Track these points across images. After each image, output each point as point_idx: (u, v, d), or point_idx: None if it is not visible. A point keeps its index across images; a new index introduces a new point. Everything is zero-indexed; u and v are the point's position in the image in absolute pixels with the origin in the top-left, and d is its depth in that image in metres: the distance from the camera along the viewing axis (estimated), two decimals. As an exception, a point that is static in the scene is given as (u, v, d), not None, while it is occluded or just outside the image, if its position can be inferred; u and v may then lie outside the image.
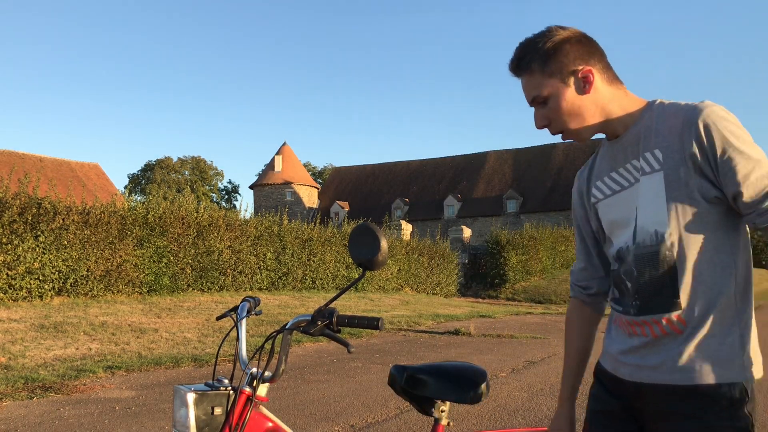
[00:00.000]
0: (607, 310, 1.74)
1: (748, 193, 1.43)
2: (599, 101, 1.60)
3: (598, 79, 1.59)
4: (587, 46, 1.60)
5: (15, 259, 11.39)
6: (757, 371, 1.50)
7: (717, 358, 1.46)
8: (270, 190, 64.81)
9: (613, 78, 1.63)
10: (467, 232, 32.14)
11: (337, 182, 68.13)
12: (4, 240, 11.27)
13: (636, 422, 1.61)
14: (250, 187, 66.93)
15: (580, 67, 1.58)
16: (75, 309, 11.38)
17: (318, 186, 68.90)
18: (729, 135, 1.44)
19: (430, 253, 24.44)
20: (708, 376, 1.46)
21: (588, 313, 1.83)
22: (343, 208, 62.29)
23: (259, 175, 68.71)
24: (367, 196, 63.93)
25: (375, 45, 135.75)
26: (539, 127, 1.64)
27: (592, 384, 1.76)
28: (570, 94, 1.58)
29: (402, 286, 22.53)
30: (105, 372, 7.11)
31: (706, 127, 1.45)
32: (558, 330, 13.25)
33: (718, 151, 1.44)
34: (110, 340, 9.10)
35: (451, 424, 2.08)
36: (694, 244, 1.49)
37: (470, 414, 5.36)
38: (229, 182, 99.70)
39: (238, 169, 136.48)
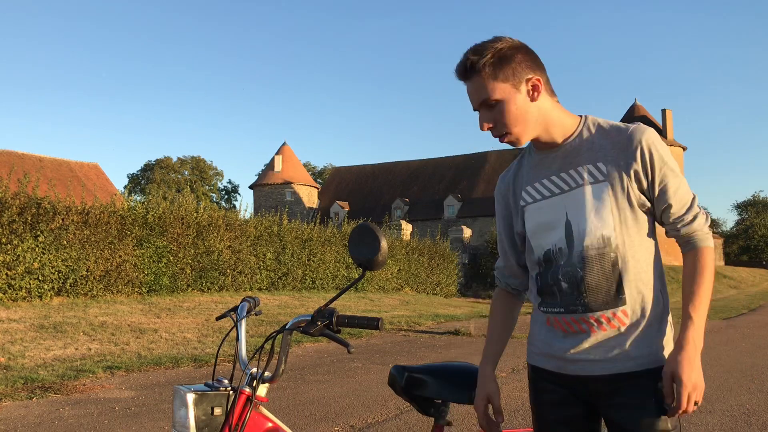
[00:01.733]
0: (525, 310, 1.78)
1: (677, 205, 1.68)
2: (542, 110, 1.72)
3: (543, 90, 1.71)
4: (534, 58, 1.72)
5: (14, 259, 11.38)
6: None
7: (658, 344, 1.69)
8: (270, 190, 64.79)
9: (552, 91, 1.76)
10: (467, 232, 32.15)
11: (337, 182, 68.12)
12: (4, 240, 11.26)
13: (586, 404, 1.74)
14: (250, 187, 66.93)
15: (530, 76, 1.69)
16: (74, 309, 11.37)
17: (318, 186, 68.89)
18: (665, 155, 1.68)
19: (430, 253, 24.43)
20: (653, 359, 1.67)
21: (512, 300, 2.01)
22: (343, 208, 62.27)
23: (259, 175, 68.71)
24: (367, 196, 63.91)
25: (375, 45, 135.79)
26: (484, 129, 1.72)
27: (531, 380, 1.85)
28: (520, 100, 1.68)
29: (402, 286, 22.53)
30: (105, 372, 7.11)
31: (649, 148, 1.66)
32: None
33: (657, 169, 1.67)
34: (110, 340, 9.09)
35: (451, 424, 2.08)
36: (634, 246, 1.69)
37: (470, 414, 5.35)
38: (229, 182, 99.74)
39: (238, 169, 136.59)
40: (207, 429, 1.78)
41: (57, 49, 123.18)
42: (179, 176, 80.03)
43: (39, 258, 11.78)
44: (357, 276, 18.36)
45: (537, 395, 1.82)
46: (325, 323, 1.79)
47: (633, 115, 55.95)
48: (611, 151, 1.69)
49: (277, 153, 66.45)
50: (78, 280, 12.52)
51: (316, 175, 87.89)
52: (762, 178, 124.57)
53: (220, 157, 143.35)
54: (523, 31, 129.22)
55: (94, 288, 12.84)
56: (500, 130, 1.71)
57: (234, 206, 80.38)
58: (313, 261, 18.80)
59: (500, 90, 1.67)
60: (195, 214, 15.44)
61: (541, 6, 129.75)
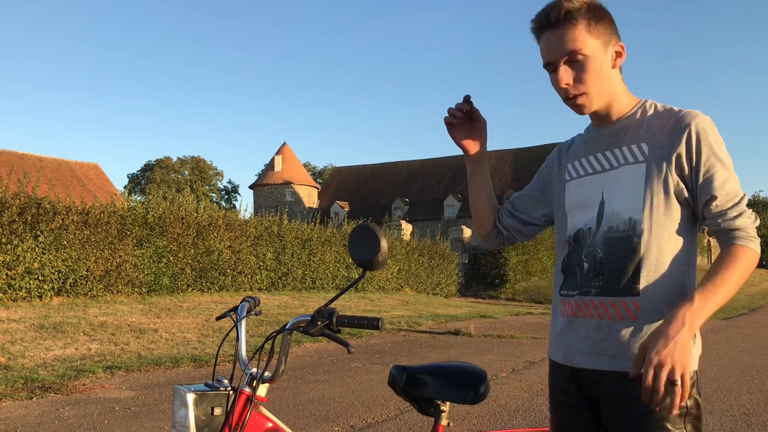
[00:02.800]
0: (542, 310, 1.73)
1: (721, 198, 1.53)
2: (615, 81, 1.65)
3: (620, 61, 1.65)
4: (616, 28, 1.65)
5: (14, 259, 11.38)
6: (697, 361, 1.58)
7: None
8: (270, 190, 64.79)
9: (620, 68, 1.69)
10: (467, 232, 32.13)
11: (337, 182, 68.13)
12: (4, 240, 11.26)
13: (591, 408, 1.65)
14: (250, 187, 66.93)
15: (617, 41, 1.63)
16: (74, 309, 11.37)
17: (318, 186, 68.90)
18: (714, 144, 1.55)
19: (430, 253, 24.43)
20: None
21: (494, 214, 1.94)
22: (343, 208, 62.28)
23: (259, 175, 68.71)
24: (367, 196, 63.92)
25: (375, 45, 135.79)
26: (565, 84, 1.60)
27: (550, 375, 1.79)
28: (606, 63, 1.61)
29: (402, 286, 22.53)
30: (105, 372, 7.11)
31: (698, 133, 1.54)
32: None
33: (704, 157, 1.54)
34: (110, 340, 9.09)
35: (451, 424, 2.08)
36: (661, 236, 1.57)
37: (470, 414, 5.35)
38: (229, 182, 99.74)
39: (238, 169, 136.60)
40: (207, 429, 1.78)
41: (57, 49, 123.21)
42: (179, 176, 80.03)
43: (39, 258, 11.78)
44: (357, 276, 18.36)
45: (551, 394, 1.77)
46: (325, 323, 1.78)
47: (633, 115, 55.97)
48: (658, 132, 1.59)
49: (277, 153, 66.45)
50: (78, 280, 12.52)
51: (316, 175, 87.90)
52: (762, 178, 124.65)
53: (220, 157, 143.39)
54: (522, 30, 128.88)
55: (94, 288, 12.84)
56: (579, 89, 1.60)
57: (234, 206, 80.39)
58: (313, 261, 18.80)
59: (592, 46, 1.58)
60: (195, 214, 15.44)
61: (541, 6, 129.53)
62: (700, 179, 1.54)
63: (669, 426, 1.50)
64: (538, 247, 30.66)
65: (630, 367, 1.52)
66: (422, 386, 2.03)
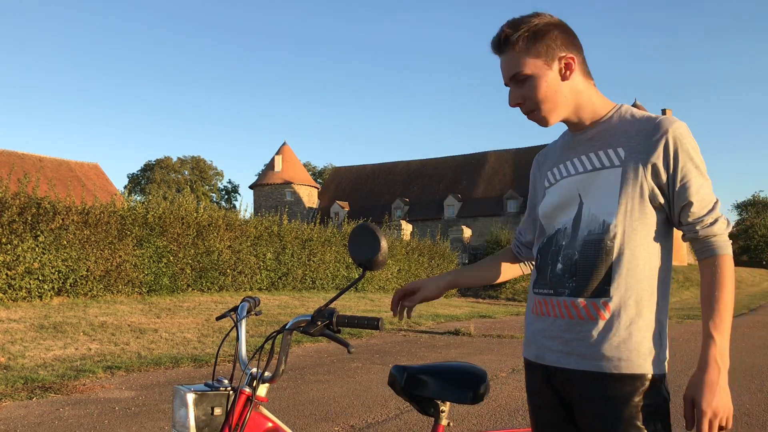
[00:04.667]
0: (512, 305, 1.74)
1: (698, 205, 1.57)
2: (573, 90, 1.67)
3: (577, 70, 1.67)
4: (571, 37, 1.68)
5: (14, 259, 11.38)
6: (666, 366, 1.62)
7: (640, 350, 1.56)
8: (270, 190, 64.80)
9: (587, 73, 1.71)
10: (467, 232, 32.15)
11: (337, 182, 68.13)
12: (4, 240, 11.26)
13: (567, 408, 1.67)
14: (250, 187, 66.94)
15: (564, 54, 1.65)
16: (74, 309, 11.37)
17: (318, 186, 68.90)
18: (691, 150, 1.58)
19: (430, 253, 24.44)
20: (633, 366, 1.55)
21: (511, 257, 2.04)
22: (343, 208, 62.28)
23: (259, 175, 68.71)
24: (367, 196, 63.92)
25: (375, 45, 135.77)
26: (513, 105, 1.69)
27: (526, 377, 1.81)
28: (551, 77, 1.64)
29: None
30: (105, 372, 7.10)
31: (675, 140, 1.57)
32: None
33: (680, 164, 1.57)
34: (110, 340, 9.09)
35: (451, 424, 2.08)
36: (634, 240, 1.60)
37: (470, 414, 5.35)
38: (229, 182, 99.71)
39: (238, 169, 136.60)
40: (207, 429, 1.78)
41: (57, 49, 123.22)
42: (179, 176, 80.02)
43: (39, 258, 11.78)
44: (357, 276, 18.35)
45: (528, 397, 1.79)
46: (325, 323, 1.78)
47: (633, 115, 55.90)
48: (635, 138, 1.61)
49: (277, 153, 66.46)
50: (78, 280, 12.52)
51: (316, 175, 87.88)
52: (762, 178, 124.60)
53: (220, 157, 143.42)
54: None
55: (94, 288, 12.84)
56: (529, 107, 1.67)
57: (234, 206, 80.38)
58: (313, 261, 18.80)
59: (531, 65, 1.63)
60: (195, 214, 15.44)
61: (541, 6, 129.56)
62: (677, 185, 1.58)
63: (639, 424, 1.53)
64: (538, 247, 30.67)
65: (600, 368, 1.56)
66: (422, 386, 2.02)
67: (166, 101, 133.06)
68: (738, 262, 77.08)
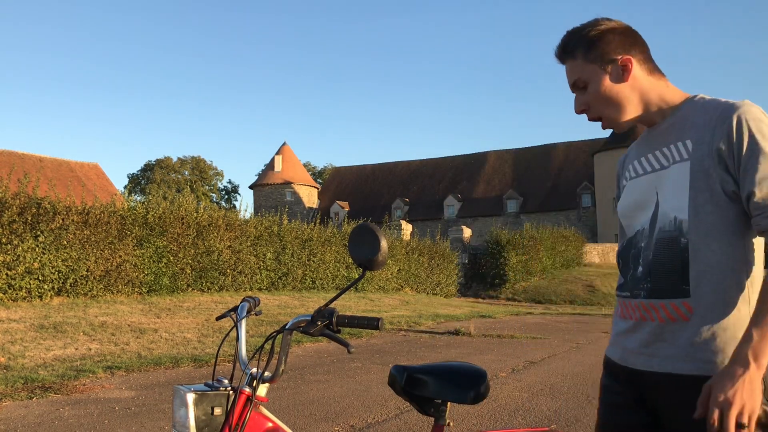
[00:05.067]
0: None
1: (761, 193, 1.45)
2: (637, 89, 1.65)
3: (638, 69, 1.65)
4: (630, 38, 1.67)
5: (14, 259, 11.38)
6: None
7: (726, 351, 1.47)
8: (270, 190, 64.79)
9: (654, 69, 1.68)
10: (467, 232, 32.14)
11: (337, 182, 68.13)
12: (4, 240, 11.26)
13: (648, 413, 1.60)
14: (250, 187, 66.93)
15: (620, 56, 1.64)
16: (74, 309, 11.37)
17: (318, 186, 68.89)
18: (757, 134, 1.47)
19: (430, 253, 24.43)
20: (719, 368, 1.46)
21: None
22: (343, 208, 62.28)
23: (259, 175, 68.71)
24: (367, 196, 63.92)
25: (375, 45, 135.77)
26: (578, 111, 1.71)
27: (602, 375, 1.77)
28: (607, 81, 1.64)
29: (402, 286, 22.52)
30: (105, 372, 7.10)
31: (738, 124, 1.48)
32: (558, 330, 13.25)
33: (744, 148, 1.47)
34: (110, 340, 9.09)
35: (451, 424, 2.07)
36: (710, 235, 1.51)
37: (470, 414, 5.35)
38: (229, 182, 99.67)
39: (238, 169, 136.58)
40: (207, 429, 1.77)
41: (57, 50, 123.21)
42: (179, 176, 79.98)
43: (39, 258, 11.77)
44: (357, 276, 18.34)
45: (602, 393, 1.74)
46: (325, 323, 1.78)
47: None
48: (703, 127, 1.54)
49: (277, 153, 66.47)
50: (78, 280, 12.51)
51: (316, 175, 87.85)
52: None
53: (220, 157, 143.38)
54: (523, 30, 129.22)
55: (94, 288, 12.83)
56: (593, 113, 1.68)
57: (234, 206, 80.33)
58: (313, 261, 18.79)
59: (589, 71, 1.65)
60: (195, 214, 15.43)
61: (542, 5, 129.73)
62: (740, 173, 1.48)
63: None
64: (537, 247, 30.66)
65: (687, 369, 1.49)
66: (422, 386, 2.02)
67: (167, 101, 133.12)
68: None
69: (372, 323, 1.79)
